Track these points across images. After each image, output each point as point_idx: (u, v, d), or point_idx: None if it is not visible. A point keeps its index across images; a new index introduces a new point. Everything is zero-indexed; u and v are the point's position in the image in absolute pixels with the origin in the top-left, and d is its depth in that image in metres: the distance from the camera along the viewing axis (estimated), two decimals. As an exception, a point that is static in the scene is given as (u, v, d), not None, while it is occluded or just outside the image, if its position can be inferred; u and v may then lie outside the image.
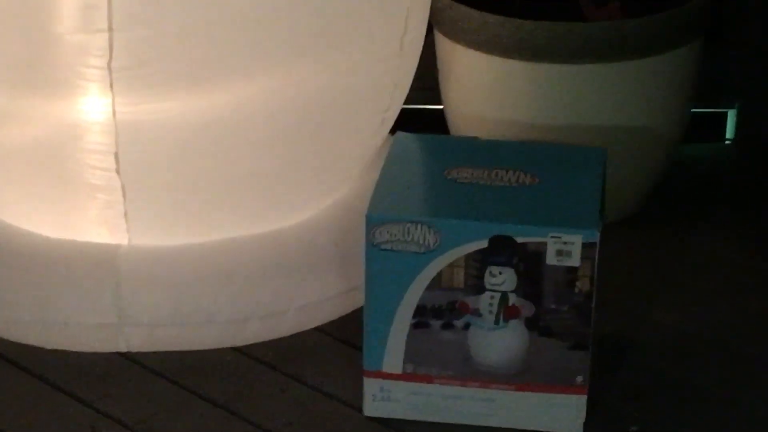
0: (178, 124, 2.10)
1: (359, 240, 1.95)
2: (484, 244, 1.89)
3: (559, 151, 2.15)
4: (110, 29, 2.00)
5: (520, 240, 1.88)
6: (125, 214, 2.15)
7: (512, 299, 1.92)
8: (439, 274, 1.90)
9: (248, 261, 2.22)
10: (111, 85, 2.04)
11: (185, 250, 2.21)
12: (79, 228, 2.21)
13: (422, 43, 2.33)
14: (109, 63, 2.01)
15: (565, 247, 1.88)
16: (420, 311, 1.93)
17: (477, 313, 1.93)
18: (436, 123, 2.52)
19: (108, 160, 2.09)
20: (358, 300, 2.08)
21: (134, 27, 2.02)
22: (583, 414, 1.96)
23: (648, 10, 2.40)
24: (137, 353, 2.14)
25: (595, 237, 1.87)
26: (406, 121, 2.34)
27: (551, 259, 1.89)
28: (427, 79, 2.47)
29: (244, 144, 2.15)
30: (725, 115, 2.72)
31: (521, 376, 1.95)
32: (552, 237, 1.88)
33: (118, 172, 2.09)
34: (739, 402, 2.04)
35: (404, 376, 1.97)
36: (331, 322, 2.20)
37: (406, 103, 2.36)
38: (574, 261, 1.89)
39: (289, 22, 2.09)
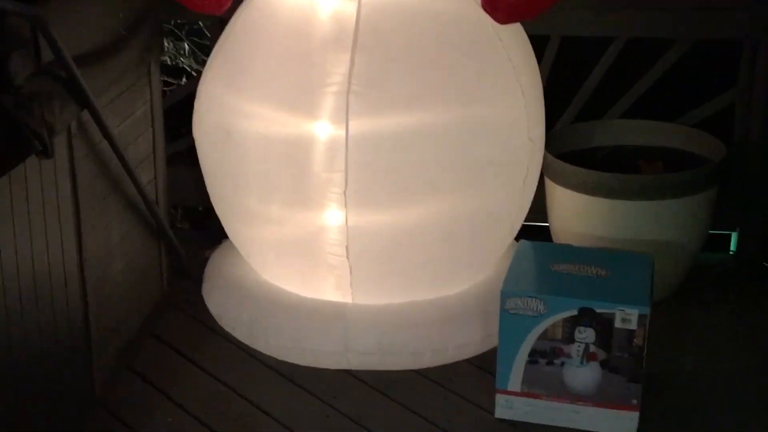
0: (385, 229, 2.10)
1: (496, 305, 1.95)
2: (574, 312, 1.91)
3: (623, 255, 2.12)
4: (346, 169, 2.04)
5: (598, 311, 1.90)
6: (351, 284, 2.15)
7: (592, 348, 1.92)
8: (546, 330, 1.92)
9: (426, 315, 2.18)
10: (345, 204, 2.06)
11: (387, 306, 2.19)
12: (320, 290, 2.21)
13: (537, 182, 2.28)
14: (345, 191, 2.05)
15: (627, 317, 1.89)
16: (533, 353, 1.95)
17: (569, 356, 1.94)
18: (544, 234, 2.47)
19: (341, 251, 2.11)
20: (493, 343, 2.07)
21: (360, 168, 2.04)
22: (636, 424, 1.95)
23: (681, 167, 2.34)
24: (356, 371, 2.15)
25: (647, 311, 1.89)
26: (525, 232, 2.31)
27: (618, 324, 1.90)
28: (538, 206, 2.40)
29: (427, 243, 2.13)
30: (730, 235, 2.61)
31: (596, 398, 1.95)
32: (619, 310, 1.89)
33: (347, 258, 2.11)
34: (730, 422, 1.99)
35: (522, 394, 1.98)
36: (476, 356, 2.18)
37: (525, 220, 2.32)
38: (633, 326, 1.89)
39: (452, 170, 2.08)
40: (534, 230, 2.42)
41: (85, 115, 1.97)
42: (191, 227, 2.92)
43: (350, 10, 2.04)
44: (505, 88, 2.10)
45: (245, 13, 2.18)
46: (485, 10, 2.05)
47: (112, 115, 2.08)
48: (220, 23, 2.29)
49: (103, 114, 1.99)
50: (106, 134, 2.03)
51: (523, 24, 2.17)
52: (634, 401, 1.94)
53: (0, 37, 1.73)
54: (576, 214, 2.35)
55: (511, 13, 2.06)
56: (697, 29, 2.38)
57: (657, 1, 2.35)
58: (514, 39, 2.14)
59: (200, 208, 2.67)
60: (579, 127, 2.53)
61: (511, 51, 2.11)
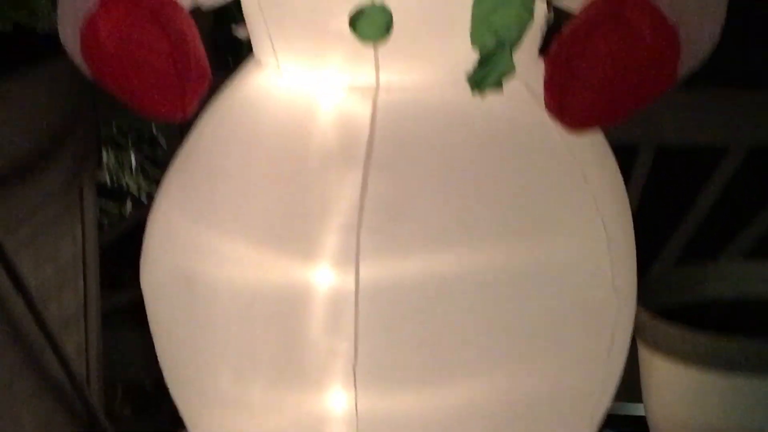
0: (411, 419, 2.19)
1: None
2: None
3: None
4: (356, 336, 2.12)
5: None
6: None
7: None
8: None
9: None
10: (354, 385, 2.14)
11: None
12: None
13: (627, 351, 2.36)
14: (354, 366, 2.13)
15: None
16: None
17: None
18: (639, 427, 2.54)
19: None
20: None
21: (375, 333, 2.13)
22: None
23: None
24: None
25: None
26: (611, 425, 2.38)
27: None
28: (628, 385, 2.48)
29: None
30: None
31: None
32: None
33: None
34: None
35: None
36: None
37: (611, 408, 2.39)
38: None
39: (507, 334, 2.18)
40: (624, 421, 2.54)
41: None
42: (134, 414, 3.01)
43: (363, 111, 2.18)
44: (579, 219, 2.23)
45: (215, 115, 2.34)
46: (550, 111, 2.16)
47: (27, 260, 2.33)
48: (179, 128, 2.45)
49: (15, 258, 2.26)
50: (19, 286, 2.28)
51: (603, 130, 2.31)
52: None
53: None
54: (685, 396, 2.45)
55: (585, 117, 2.16)
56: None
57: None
58: (590, 151, 2.29)
59: (148, 387, 2.81)
60: (686, 272, 2.67)
61: (587, 167, 2.24)
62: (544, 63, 2.15)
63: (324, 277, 2.15)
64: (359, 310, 2.13)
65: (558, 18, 2.24)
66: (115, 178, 3.91)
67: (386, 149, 2.16)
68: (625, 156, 2.45)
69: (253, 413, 2.27)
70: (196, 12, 2.41)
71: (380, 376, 2.17)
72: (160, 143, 3.65)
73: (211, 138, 2.32)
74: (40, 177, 2.38)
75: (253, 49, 2.34)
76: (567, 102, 2.13)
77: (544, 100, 2.15)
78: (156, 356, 2.45)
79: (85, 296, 2.62)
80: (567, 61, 2.10)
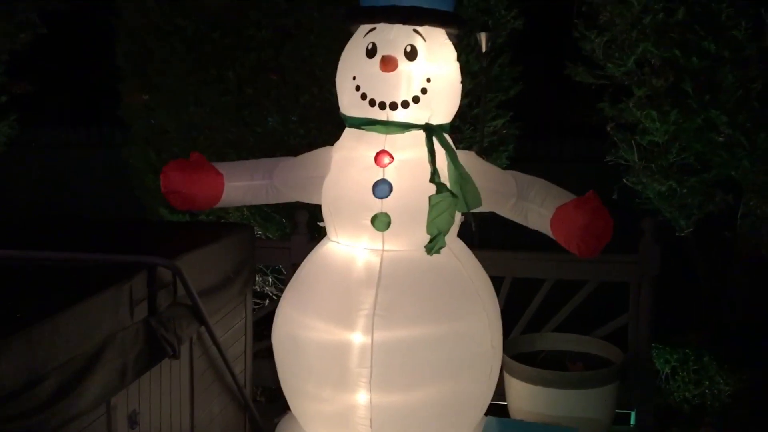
0: (399, 407, 3.84)
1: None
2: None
3: (556, 429, 3.82)
4: (371, 366, 3.89)
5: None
6: (372, 444, 3.99)
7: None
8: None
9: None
10: (370, 390, 3.90)
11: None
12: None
13: (498, 375, 4.01)
14: (370, 381, 3.89)
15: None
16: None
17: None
18: (504, 411, 4.21)
19: (367, 422, 3.86)
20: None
21: (381, 365, 3.89)
22: None
23: (595, 366, 4.09)
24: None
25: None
26: (492, 408, 4.08)
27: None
28: (500, 391, 4.18)
29: (428, 416, 3.87)
30: (630, 414, 4.28)
31: None
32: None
33: (371, 427, 3.81)
34: None
35: None
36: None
37: (492, 401, 4.06)
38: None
39: (446, 365, 3.89)
40: (498, 408, 4.14)
41: (202, 329, 3.76)
42: (266, 401, 4.90)
43: (376, 261, 4.06)
44: (475, 312, 4.04)
45: (309, 262, 4.29)
46: (580, 252, 3.84)
47: (219, 329, 3.84)
48: (292, 266, 4.43)
49: (213, 329, 3.74)
50: (215, 342, 3.78)
51: (485, 268, 4.23)
52: None
53: (151, 281, 3.39)
54: (525, 398, 4.09)
55: (595, 251, 3.83)
56: (601, 274, 4.50)
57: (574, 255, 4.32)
58: (481, 280, 4.17)
59: (273, 388, 4.51)
60: (525, 338, 4.33)
61: (479, 288, 4.13)
62: (563, 231, 3.85)
63: (357, 338, 3.96)
64: (373, 354, 3.90)
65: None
66: (261, 288, 5.80)
67: (387, 279, 4.03)
68: (497, 281, 4.37)
69: (322, 402, 4.02)
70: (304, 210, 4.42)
71: (385, 387, 3.90)
72: (283, 271, 5.48)
73: (306, 271, 4.25)
74: (228, 289, 3.88)
75: (327, 232, 4.28)
76: (588, 245, 3.80)
77: (578, 247, 3.82)
78: (277, 373, 4.17)
79: (245, 345, 4.06)
80: (586, 227, 3.78)
